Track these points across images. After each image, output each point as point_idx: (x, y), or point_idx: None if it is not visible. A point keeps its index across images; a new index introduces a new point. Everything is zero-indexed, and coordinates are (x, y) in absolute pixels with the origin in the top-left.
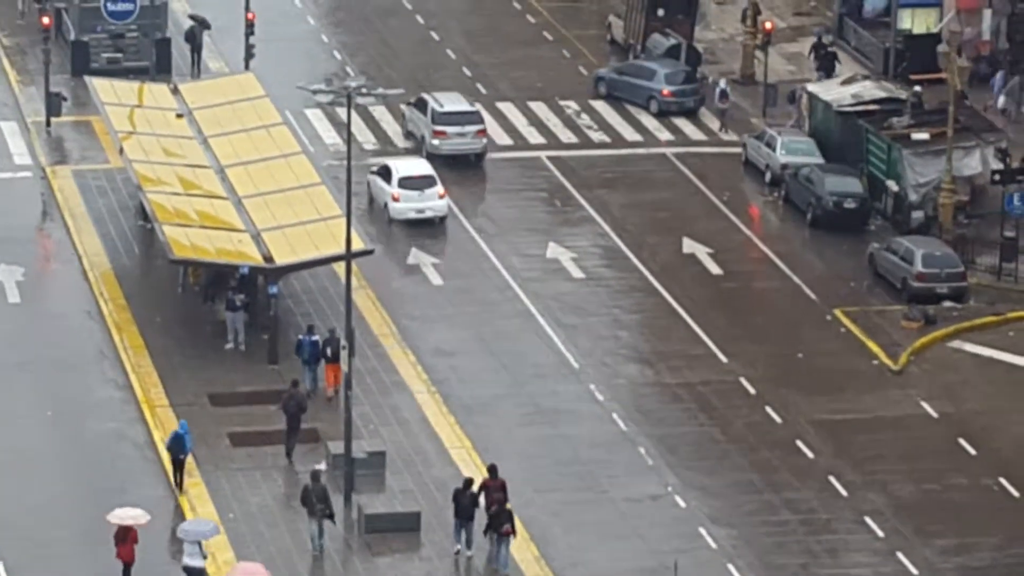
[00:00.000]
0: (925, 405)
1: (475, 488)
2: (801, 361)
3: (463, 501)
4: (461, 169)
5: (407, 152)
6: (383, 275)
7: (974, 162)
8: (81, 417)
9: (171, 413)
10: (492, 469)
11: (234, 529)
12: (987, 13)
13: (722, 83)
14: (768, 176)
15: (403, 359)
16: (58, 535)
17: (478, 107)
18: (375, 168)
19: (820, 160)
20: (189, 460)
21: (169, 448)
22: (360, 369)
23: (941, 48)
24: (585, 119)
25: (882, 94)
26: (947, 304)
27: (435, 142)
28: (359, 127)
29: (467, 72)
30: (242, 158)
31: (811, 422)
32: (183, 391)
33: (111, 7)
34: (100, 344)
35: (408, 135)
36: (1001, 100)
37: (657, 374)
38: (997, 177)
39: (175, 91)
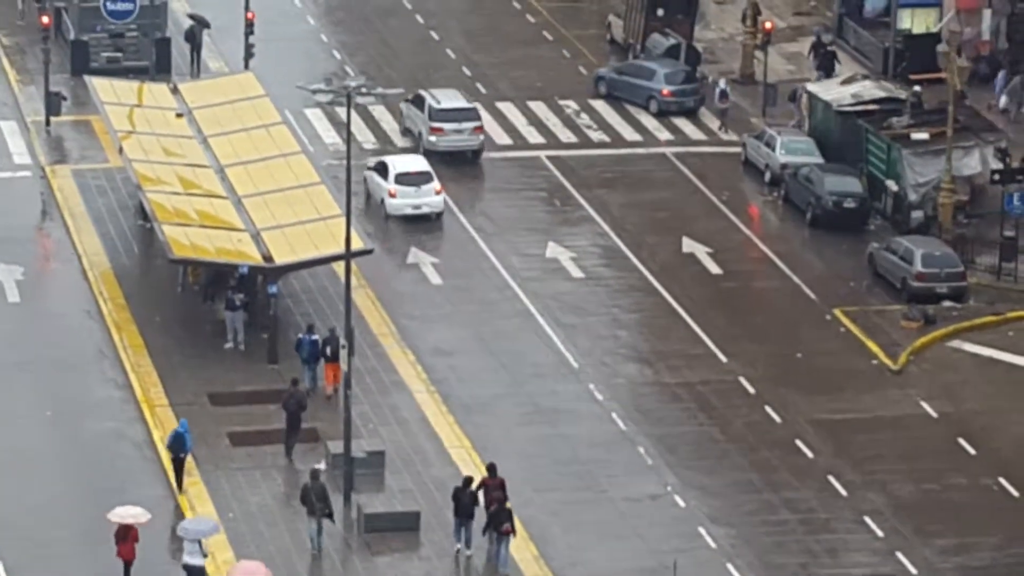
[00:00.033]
0: (925, 405)
1: (474, 486)
2: (800, 361)
3: (463, 500)
4: (461, 169)
5: (405, 150)
6: (382, 274)
7: (973, 162)
8: (80, 417)
9: (171, 413)
10: (491, 468)
11: (233, 528)
12: (987, 13)
13: (722, 83)
14: (768, 176)
15: (402, 358)
16: (58, 535)
17: (477, 105)
18: (372, 164)
19: (820, 160)
20: (189, 459)
21: (169, 447)
22: (359, 368)
23: (941, 48)
24: (585, 119)
25: (882, 94)
26: (947, 304)
27: (432, 139)
28: (359, 127)
29: (467, 72)
30: (242, 158)
31: (810, 422)
32: (182, 390)
33: (111, 7)
34: (100, 343)
35: (405, 132)
36: (1003, 100)
37: (656, 374)
38: (997, 177)
39: (175, 91)
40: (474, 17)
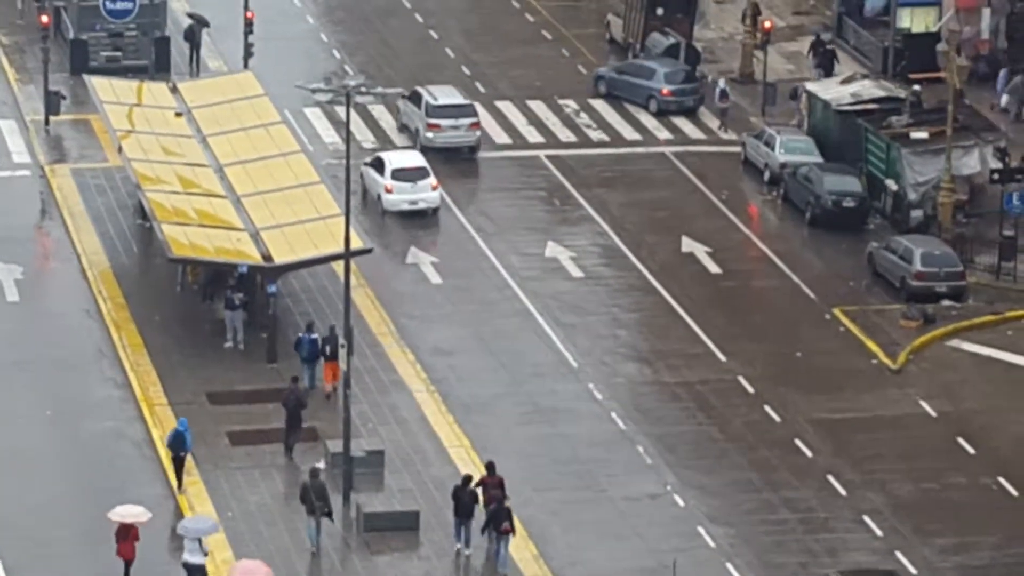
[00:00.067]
0: (924, 404)
1: (473, 484)
2: (800, 360)
3: (463, 498)
4: (461, 168)
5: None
6: (382, 274)
7: (973, 161)
8: (80, 416)
9: (170, 412)
10: (490, 466)
11: (233, 528)
12: (986, 12)
13: (721, 83)
14: (767, 175)
15: (402, 358)
16: (57, 534)
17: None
18: (368, 160)
19: (819, 159)
20: (188, 459)
21: (170, 445)
22: (359, 368)
23: (940, 47)
24: (584, 118)
25: (881, 93)
26: (946, 303)
27: (429, 135)
28: (358, 126)
29: (466, 71)
30: (241, 157)
31: (810, 421)
32: (182, 390)
33: (110, 6)
34: (99, 343)
35: (402, 128)
36: (1004, 99)
37: (656, 373)
38: (996, 176)
39: (174, 90)
40: (473, 16)
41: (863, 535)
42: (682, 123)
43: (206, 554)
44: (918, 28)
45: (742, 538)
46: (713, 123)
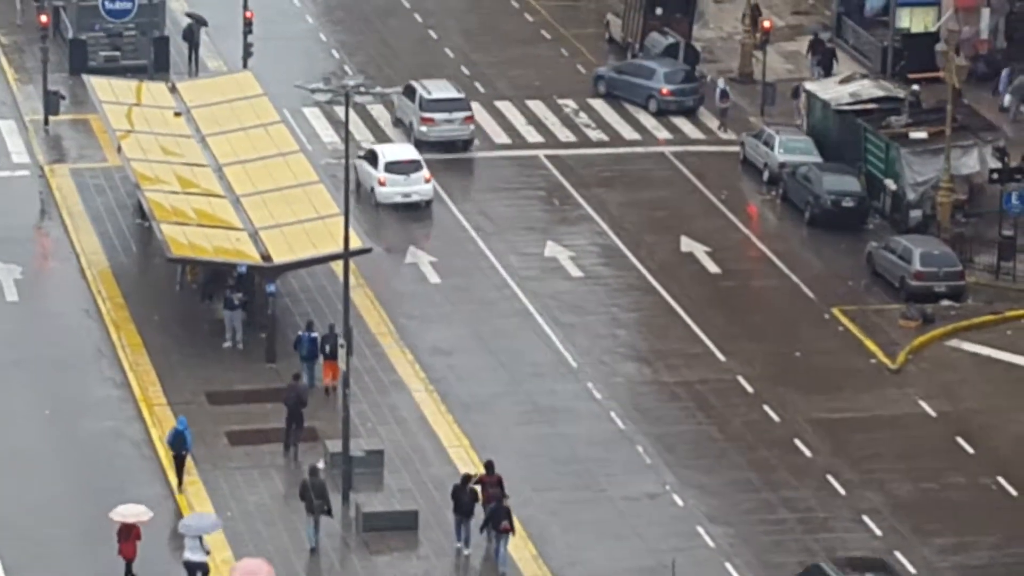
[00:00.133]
0: (923, 404)
1: (472, 483)
2: (799, 360)
3: (463, 498)
4: (460, 167)
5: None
6: (381, 274)
7: (972, 161)
8: (79, 416)
9: (169, 411)
10: (489, 465)
11: (232, 528)
12: (985, 12)
13: (721, 83)
14: (766, 175)
15: (401, 358)
16: (57, 534)
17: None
18: (361, 153)
19: (818, 159)
20: (187, 458)
21: (170, 444)
22: (358, 368)
23: (939, 47)
24: (583, 118)
25: (880, 93)
26: (945, 303)
27: (423, 128)
28: (357, 125)
29: (465, 71)
30: (240, 157)
31: (809, 421)
32: (181, 389)
33: (109, 5)
34: (98, 342)
35: (397, 122)
36: (1006, 99)
37: (655, 372)
38: (995, 176)
39: (173, 90)
40: (472, 16)
41: (862, 535)
42: (681, 123)
43: (208, 552)
44: (917, 28)
45: (741, 538)
46: (712, 123)
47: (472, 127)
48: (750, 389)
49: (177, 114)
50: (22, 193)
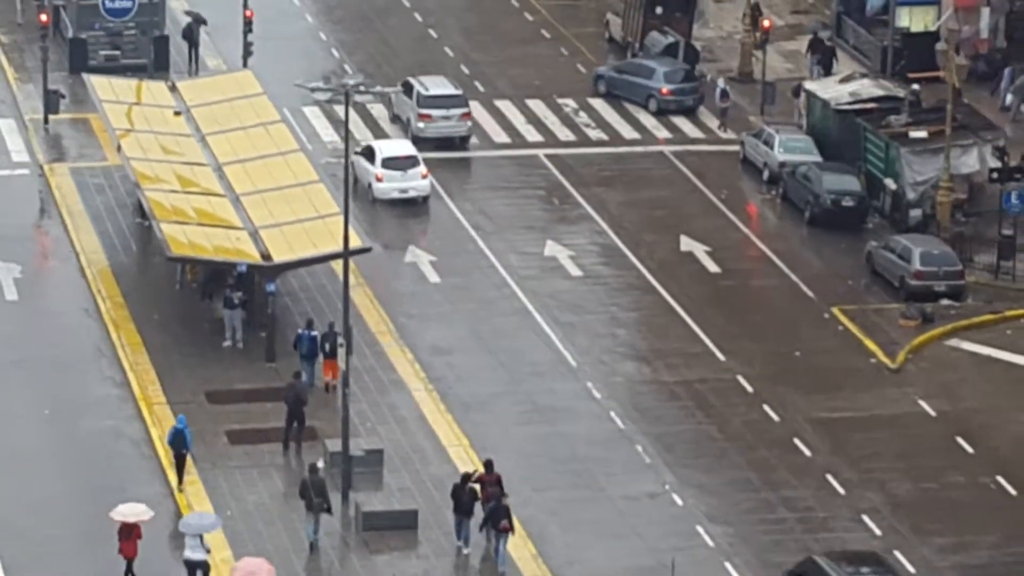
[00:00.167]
0: (923, 403)
1: (474, 479)
2: (799, 359)
3: (462, 497)
4: (460, 167)
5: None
6: (381, 273)
7: (972, 160)
8: (78, 415)
9: (168, 411)
10: (488, 464)
11: (231, 527)
12: (985, 11)
13: (721, 82)
14: (766, 174)
15: (400, 357)
16: (56, 533)
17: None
18: (358, 149)
19: (818, 158)
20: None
21: (171, 444)
22: (358, 367)
23: (939, 46)
24: (583, 117)
25: (880, 92)
26: (945, 302)
27: (420, 125)
28: (357, 125)
29: (465, 70)
30: (240, 156)
31: (809, 420)
32: (181, 389)
33: (109, 4)
34: (97, 342)
35: (394, 119)
36: (1009, 98)
37: (655, 372)
38: (995, 175)
39: (173, 89)
40: (472, 15)
41: (862, 534)
42: (681, 122)
43: (208, 551)
44: (917, 27)
45: (741, 537)
46: (712, 122)
47: (470, 123)
48: (750, 388)
49: (177, 113)
50: (22, 192)
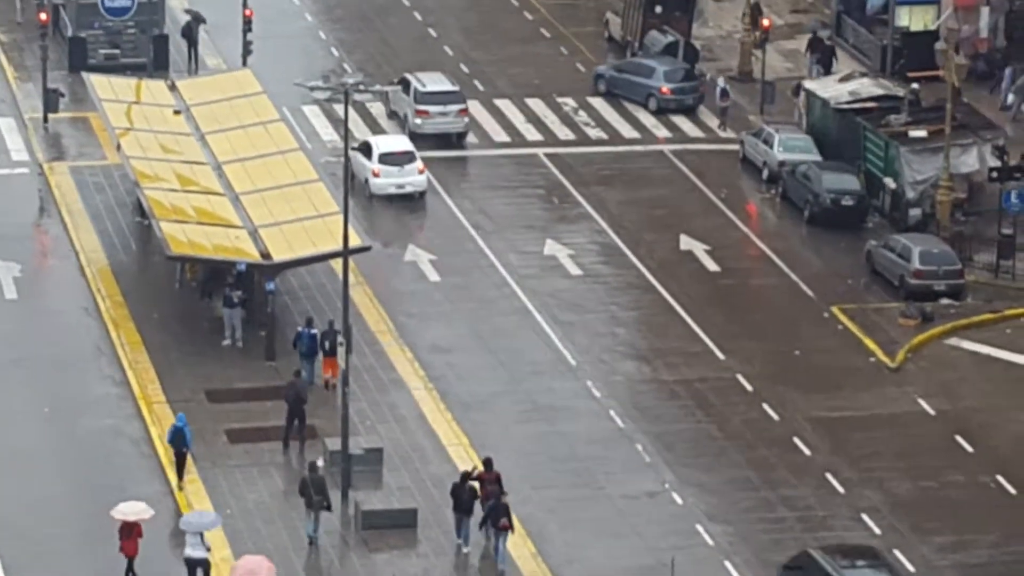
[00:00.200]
0: (922, 402)
1: (474, 476)
2: (798, 358)
3: (462, 495)
4: (460, 166)
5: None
6: (380, 272)
7: (971, 159)
8: (78, 414)
9: (168, 409)
10: (487, 462)
11: (231, 526)
12: (985, 10)
13: (721, 81)
14: (765, 173)
15: (400, 356)
16: (56, 532)
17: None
18: (355, 144)
19: (818, 157)
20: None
21: (171, 442)
22: (357, 366)
23: (939, 45)
24: (583, 116)
25: (880, 91)
26: (944, 301)
27: (417, 121)
28: (356, 123)
29: (465, 69)
30: (239, 154)
31: (808, 419)
32: (180, 387)
33: (108, 3)
34: (97, 340)
35: (391, 115)
36: (1010, 97)
37: (654, 371)
38: (995, 174)
39: (172, 87)
40: (472, 14)
41: (861, 533)
42: (681, 121)
43: (209, 549)
44: (917, 26)
45: (740, 536)
46: (712, 121)
47: (467, 120)
48: (749, 387)
49: (176, 112)
50: (21, 191)
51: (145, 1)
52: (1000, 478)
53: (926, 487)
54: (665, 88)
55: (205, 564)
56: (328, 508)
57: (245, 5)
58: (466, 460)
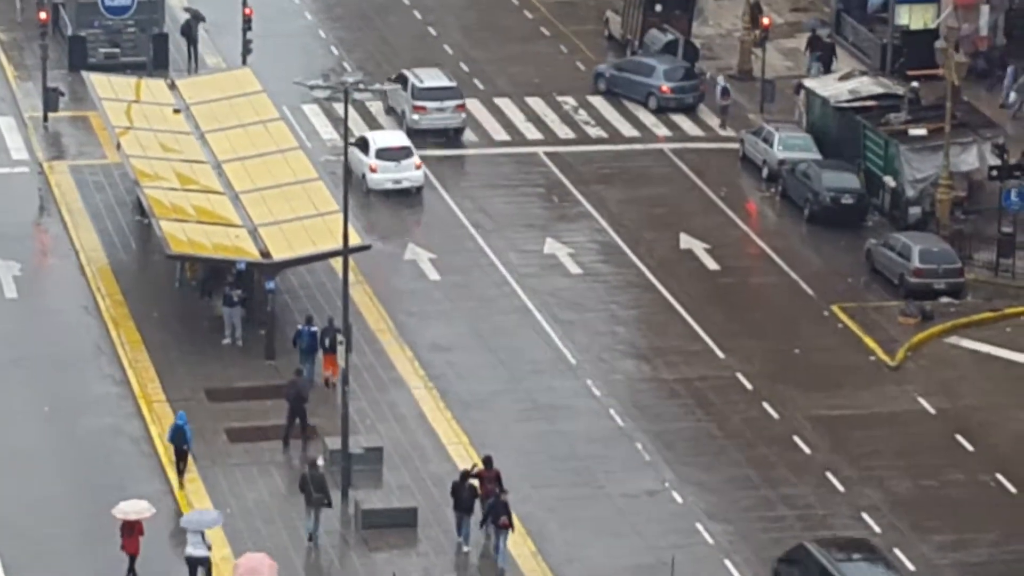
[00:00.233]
0: (922, 401)
1: (474, 474)
2: (798, 357)
3: (462, 494)
4: (460, 165)
5: None
6: (380, 271)
7: (971, 158)
8: (78, 413)
9: (168, 408)
10: (487, 460)
11: (231, 525)
12: (984, 9)
13: (721, 80)
14: (765, 172)
15: (400, 355)
16: (56, 532)
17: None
18: (352, 140)
19: (817, 156)
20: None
21: (171, 440)
22: (357, 365)
23: (939, 44)
24: (583, 115)
25: (879, 90)
26: (944, 300)
27: (415, 117)
28: (356, 122)
29: (464, 67)
30: (239, 153)
31: (808, 418)
32: (180, 386)
33: (108, 2)
34: (97, 339)
35: (389, 111)
36: (1012, 96)
37: (654, 370)
38: (994, 173)
39: (172, 86)
40: (472, 13)
41: (861, 532)
42: (681, 120)
43: (210, 548)
44: (916, 25)
45: (740, 535)
46: (712, 120)
47: (464, 115)
48: (749, 386)
49: (176, 111)
50: (21, 190)
51: (144, 0)
52: (1000, 477)
53: (926, 486)
54: (665, 87)
55: (206, 562)
56: (328, 505)
57: (245, 4)
58: (466, 459)
